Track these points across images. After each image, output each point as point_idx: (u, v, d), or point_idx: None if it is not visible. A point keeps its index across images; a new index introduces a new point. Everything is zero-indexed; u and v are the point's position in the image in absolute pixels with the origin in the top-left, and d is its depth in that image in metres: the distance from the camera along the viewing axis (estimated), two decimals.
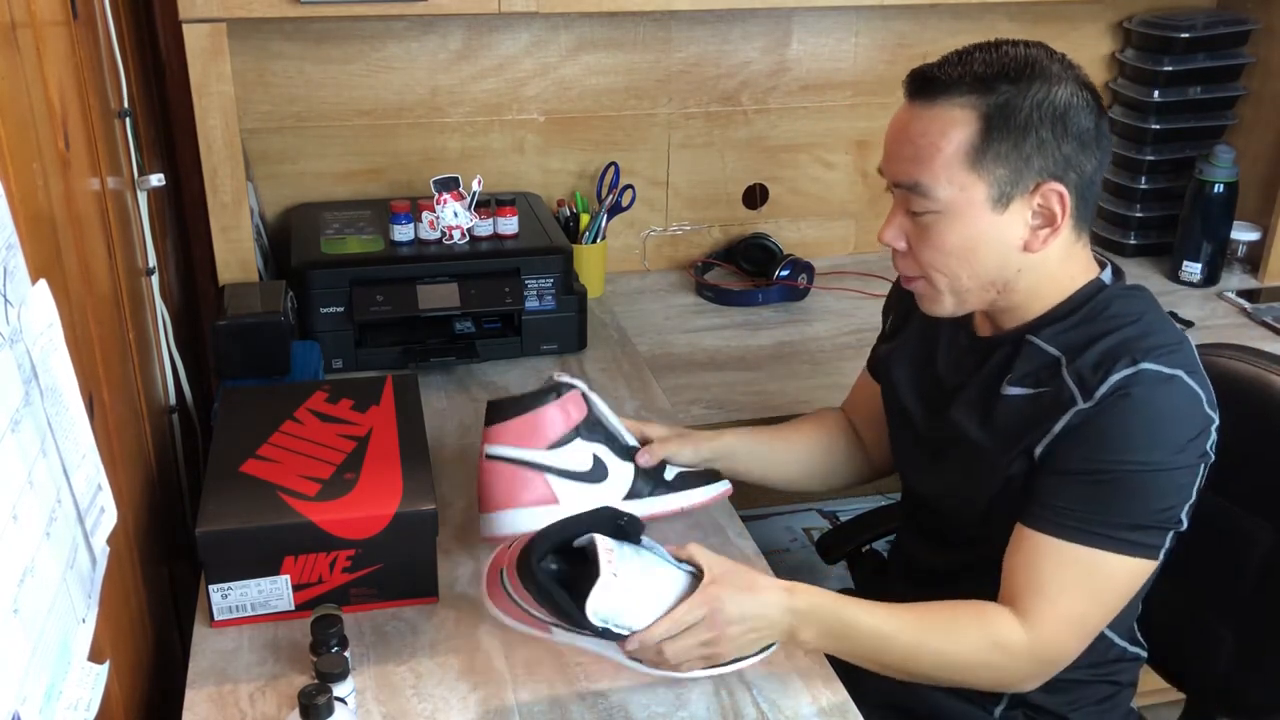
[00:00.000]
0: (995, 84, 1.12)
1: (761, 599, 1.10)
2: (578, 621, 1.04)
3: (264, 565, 1.23)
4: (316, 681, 1.06)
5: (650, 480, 1.35)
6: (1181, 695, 1.51)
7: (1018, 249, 1.17)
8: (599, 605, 1.03)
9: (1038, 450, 1.17)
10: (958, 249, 1.16)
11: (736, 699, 1.18)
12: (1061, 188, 1.14)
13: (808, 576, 1.63)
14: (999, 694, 1.30)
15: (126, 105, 1.45)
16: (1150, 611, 1.35)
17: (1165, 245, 2.32)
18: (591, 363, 1.86)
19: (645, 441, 1.37)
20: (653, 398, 1.76)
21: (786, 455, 1.47)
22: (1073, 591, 1.15)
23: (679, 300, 2.17)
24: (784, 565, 1.83)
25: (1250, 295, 2.19)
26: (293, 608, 1.26)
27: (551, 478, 1.29)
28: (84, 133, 1.22)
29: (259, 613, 1.25)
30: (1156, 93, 2.25)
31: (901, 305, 1.43)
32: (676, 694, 1.18)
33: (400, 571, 1.27)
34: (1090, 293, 1.20)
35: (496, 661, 1.22)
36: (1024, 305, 1.22)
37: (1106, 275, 1.23)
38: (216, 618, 1.24)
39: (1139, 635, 1.34)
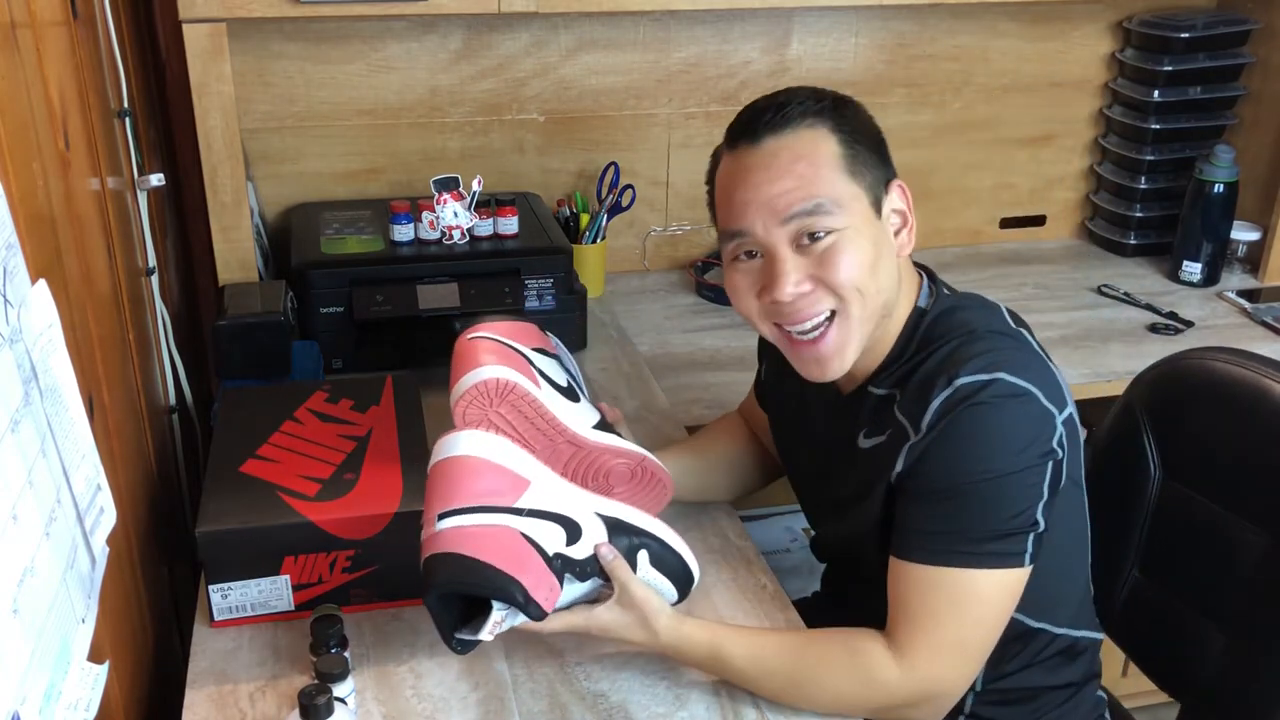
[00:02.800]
0: (822, 101, 1.16)
1: (634, 637, 1.16)
2: (443, 635, 1.09)
3: (264, 565, 1.23)
4: (316, 681, 1.07)
5: (609, 429, 1.31)
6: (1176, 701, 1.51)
7: (895, 256, 1.18)
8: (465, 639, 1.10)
9: (891, 484, 1.17)
10: (865, 261, 1.14)
11: (736, 699, 1.18)
12: (902, 183, 1.19)
13: (807, 576, 1.64)
14: (959, 708, 1.29)
15: (126, 105, 1.45)
16: (1141, 615, 1.35)
17: (1165, 245, 2.32)
18: (591, 363, 1.86)
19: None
20: (653, 398, 1.75)
21: (705, 468, 1.46)
22: (943, 616, 1.13)
23: (679, 300, 2.17)
24: (784, 565, 1.83)
25: (1250, 295, 2.19)
26: (293, 608, 1.26)
27: (535, 374, 1.25)
28: (84, 133, 1.22)
29: (259, 613, 1.25)
30: (1156, 93, 2.25)
31: (773, 357, 1.38)
32: (676, 694, 1.18)
33: (400, 571, 1.27)
34: (913, 326, 1.21)
35: (496, 662, 1.22)
36: (873, 349, 1.21)
37: (923, 296, 1.22)
38: (216, 618, 1.25)
39: (1094, 618, 1.33)
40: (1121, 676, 1.89)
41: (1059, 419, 1.13)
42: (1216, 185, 2.17)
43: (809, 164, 1.12)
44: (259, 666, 1.20)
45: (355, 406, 1.44)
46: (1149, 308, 2.15)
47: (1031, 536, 1.13)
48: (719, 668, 1.17)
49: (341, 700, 1.05)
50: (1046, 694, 1.31)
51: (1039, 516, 1.13)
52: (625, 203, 2.13)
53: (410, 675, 1.20)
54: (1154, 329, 2.06)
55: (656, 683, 1.20)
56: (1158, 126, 2.27)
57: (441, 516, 1.09)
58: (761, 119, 1.15)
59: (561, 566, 1.10)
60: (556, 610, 1.12)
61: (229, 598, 1.24)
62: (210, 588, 1.23)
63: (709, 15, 2.10)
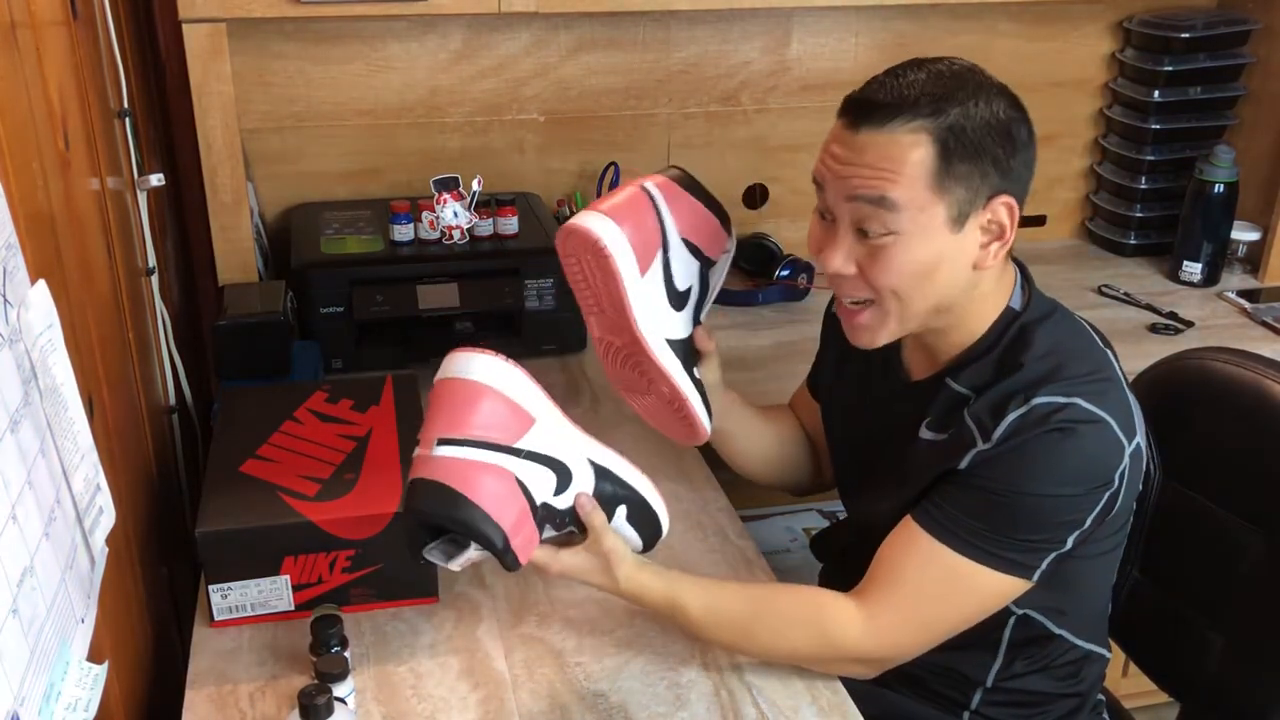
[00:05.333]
0: (941, 106, 1.10)
1: (595, 581, 1.18)
2: (410, 548, 1.11)
3: (264, 565, 1.23)
4: (316, 681, 1.07)
5: (684, 354, 1.29)
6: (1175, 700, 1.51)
7: (968, 268, 1.15)
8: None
9: (944, 475, 1.17)
10: (916, 271, 1.13)
11: (736, 699, 1.18)
12: (1011, 200, 1.13)
13: (808, 576, 1.63)
14: (964, 704, 1.30)
15: (126, 105, 1.45)
16: (1141, 616, 1.35)
17: (1165, 245, 2.32)
18: (592, 363, 1.86)
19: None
20: None
21: (766, 435, 1.47)
22: (931, 593, 1.16)
23: None
24: (784, 565, 1.83)
25: (1250, 295, 2.19)
26: (292, 608, 1.26)
27: (657, 260, 1.24)
28: (84, 133, 1.22)
29: (259, 613, 1.25)
30: (1156, 93, 2.25)
31: (836, 340, 1.39)
32: (676, 694, 1.18)
33: (400, 571, 1.27)
34: (1002, 326, 1.20)
35: (496, 662, 1.22)
36: (953, 333, 1.21)
37: (1015, 297, 1.22)
38: (216, 618, 1.25)
39: (1107, 637, 1.34)
40: (1122, 676, 1.89)
41: (1127, 450, 1.14)
42: (1217, 185, 2.17)
43: (891, 166, 1.10)
44: (259, 666, 1.20)
45: (355, 406, 1.44)
46: (1149, 308, 2.14)
47: (1052, 555, 1.14)
48: (676, 617, 1.20)
49: (341, 700, 1.05)
50: (1053, 701, 1.31)
51: (1068, 539, 1.14)
52: None
53: (410, 675, 1.20)
54: (1154, 329, 2.06)
55: (656, 683, 1.20)
56: (1158, 126, 2.27)
57: (441, 442, 1.07)
58: (867, 111, 1.11)
59: (544, 516, 1.10)
60: None
61: (229, 598, 1.24)
62: (210, 588, 1.23)
63: (709, 15, 2.10)
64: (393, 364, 1.78)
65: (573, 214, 2.09)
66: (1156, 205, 2.34)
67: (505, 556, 1.06)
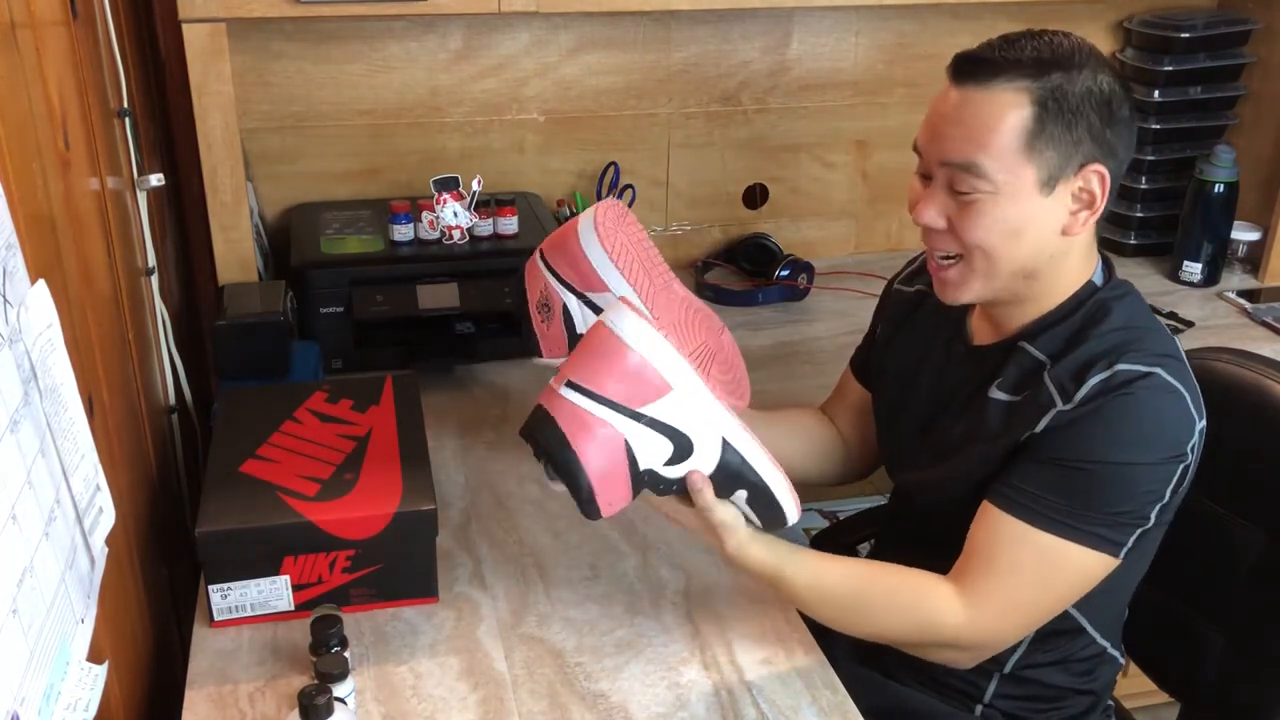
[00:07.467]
0: (1047, 70, 1.13)
1: (706, 540, 1.18)
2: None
3: (264, 565, 1.23)
4: (316, 682, 1.07)
5: None
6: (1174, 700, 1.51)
7: (1056, 233, 1.17)
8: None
9: (1021, 442, 1.17)
10: (1004, 229, 1.16)
11: (736, 699, 1.18)
12: (1103, 169, 1.16)
13: None
14: (978, 696, 1.31)
15: (126, 105, 1.45)
16: (1141, 616, 1.35)
17: (1166, 245, 2.32)
18: None
19: None
20: None
21: (775, 437, 1.46)
22: (1026, 576, 1.16)
23: None
24: None
25: (1250, 295, 2.19)
26: (292, 608, 1.26)
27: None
28: (84, 133, 1.22)
29: (259, 613, 1.25)
30: (1157, 93, 2.25)
31: (894, 314, 1.43)
32: (676, 694, 1.18)
33: (400, 571, 1.27)
34: (1083, 297, 1.21)
35: (496, 662, 1.22)
36: (1029, 304, 1.22)
37: (1098, 274, 1.24)
38: (216, 618, 1.25)
39: (1120, 639, 1.34)
40: (1122, 676, 1.89)
41: (1197, 426, 1.15)
42: (1217, 185, 2.17)
43: (986, 127, 1.13)
44: (259, 666, 1.20)
45: (355, 406, 1.44)
46: (1149, 308, 2.14)
47: (1137, 531, 1.15)
48: (779, 588, 1.20)
49: (341, 700, 1.05)
50: (1067, 697, 1.31)
51: (1151, 514, 1.15)
52: (625, 203, 2.13)
53: (410, 675, 1.20)
54: None
55: (656, 683, 1.20)
56: (1158, 126, 2.27)
57: (569, 385, 1.11)
58: (974, 67, 1.15)
59: (646, 481, 1.13)
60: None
61: (229, 598, 1.24)
62: (210, 588, 1.23)
63: (709, 15, 2.10)
64: (393, 364, 1.78)
65: (573, 213, 2.10)
66: (1157, 205, 2.34)
67: (585, 505, 1.11)
